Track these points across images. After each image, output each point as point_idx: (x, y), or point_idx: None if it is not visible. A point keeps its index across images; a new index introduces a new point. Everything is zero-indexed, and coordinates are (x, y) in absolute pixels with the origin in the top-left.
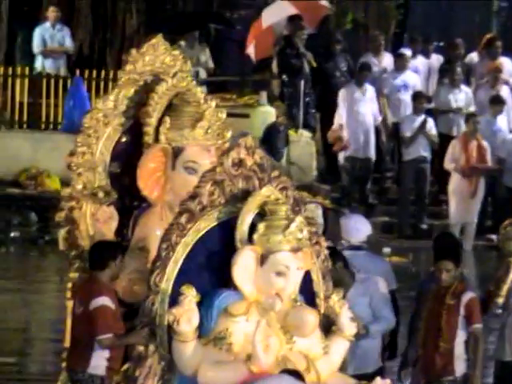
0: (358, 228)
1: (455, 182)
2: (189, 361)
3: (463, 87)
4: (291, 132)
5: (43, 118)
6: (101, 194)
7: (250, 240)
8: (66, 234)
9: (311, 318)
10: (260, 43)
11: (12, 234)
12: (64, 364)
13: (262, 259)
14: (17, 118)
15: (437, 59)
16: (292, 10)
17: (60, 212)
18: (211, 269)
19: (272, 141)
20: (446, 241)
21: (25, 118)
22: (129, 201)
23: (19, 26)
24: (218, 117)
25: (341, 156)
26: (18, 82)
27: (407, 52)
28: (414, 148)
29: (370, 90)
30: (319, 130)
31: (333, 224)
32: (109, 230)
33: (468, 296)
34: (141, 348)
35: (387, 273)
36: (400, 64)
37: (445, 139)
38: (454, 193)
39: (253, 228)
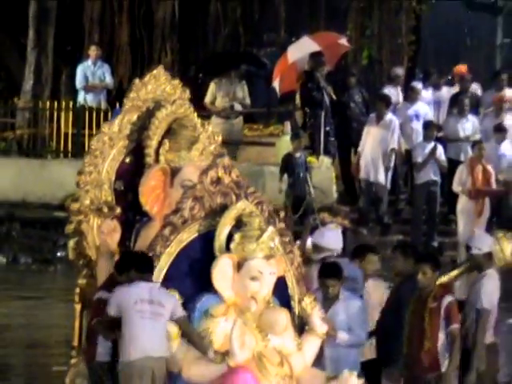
0: (337, 239)
1: (463, 203)
2: (174, 358)
3: (470, 117)
4: (311, 159)
5: (86, 147)
6: (105, 209)
7: (227, 249)
8: (74, 245)
9: (282, 317)
10: (285, 78)
11: (58, 254)
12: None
13: (239, 266)
14: (62, 147)
15: (447, 91)
16: (315, 47)
17: (69, 225)
18: (193, 275)
19: (288, 168)
20: (425, 249)
21: (69, 147)
22: (132, 215)
23: (64, 64)
24: (214, 139)
25: (358, 180)
26: (62, 114)
27: (418, 85)
28: (425, 172)
29: (387, 119)
30: (337, 157)
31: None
32: (112, 241)
33: (447, 299)
34: None
35: (359, 277)
36: (412, 96)
37: (453, 164)
38: (462, 213)
39: (230, 238)
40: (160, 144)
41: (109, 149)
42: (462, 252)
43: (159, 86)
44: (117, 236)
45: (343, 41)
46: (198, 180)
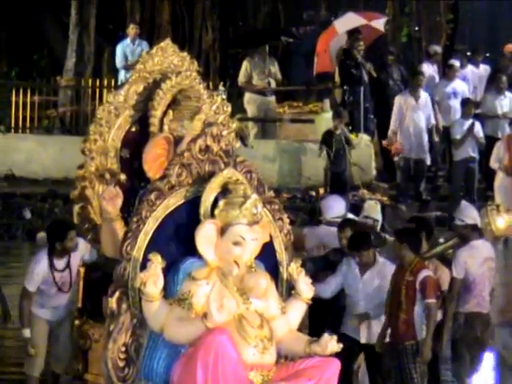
0: (331, 206)
1: (500, 180)
2: (155, 318)
3: (508, 94)
4: (352, 136)
5: None
6: (107, 176)
7: (212, 215)
8: (79, 210)
9: (262, 281)
10: (321, 60)
11: None
12: None
13: (222, 231)
14: None
15: (484, 69)
16: (361, 21)
17: (74, 190)
18: (178, 239)
19: (329, 144)
20: (410, 222)
21: None
22: (137, 182)
23: (106, 42)
24: (223, 110)
25: (396, 157)
26: (104, 92)
27: (456, 62)
28: (464, 149)
29: (423, 96)
30: (376, 134)
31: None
32: (114, 207)
33: (423, 274)
34: (113, 306)
35: None
36: (450, 73)
37: (491, 141)
38: (500, 189)
39: (216, 204)
40: (164, 114)
41: (114, 118)
42: None
43: (166, 58)
44: (119, 202)
45: (379, 23)
46: (186, 148)
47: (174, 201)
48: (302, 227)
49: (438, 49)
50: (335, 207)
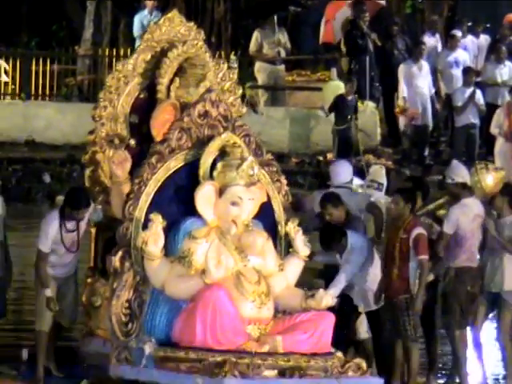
0: (338, 172)
1: (500, 145)
2: (157, 275)
3: (507, 63)
4: (359, 103)
5: None
6: (116, 141)
7: (211, 176)
8: (90, 173)
9: (259, 239)
10: (326, 30)
11: None
12: None
13: (221, 192)
14: None
15: (484, 39)
16: None
17: (85, 155)
18: (179, 200)
19: (339, 109)
20: (404, 181)
21: None
22: (146, 146)
23: (122, 14)
24: (230, 77)
25: (401, 123)
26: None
27: (458, 33)
28: (465, 116)
29: (425, 65)
30: (382, 101)
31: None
32: (123, 171)
33: (416, 231)
34: (117, 265)
35: (363, 204)
36: (452, 43)
37: (491, 108)
38: (499, 154)
39: (215, 166)
40: (171, 81)
41: (123, 85)
42: None
43: (173, 28)
44: (128, 165)
45: None
46: (185, 113)
47: (175, 163)
48: (311, 190)
49: (435, 19)
50: (342, 173)
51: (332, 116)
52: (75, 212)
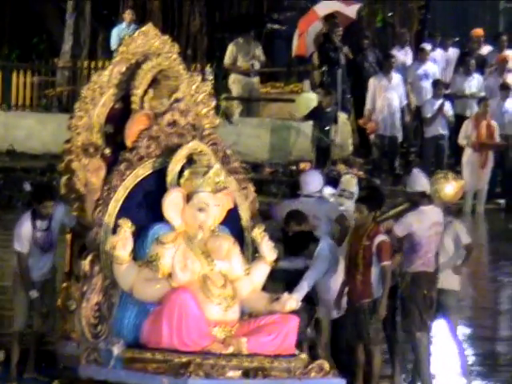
0: (308, 181)
1: (468, 155)
2: (125, 279)
3: (475, 75)
4: None
5: None
6: (91, 149)
7: (178, 184)
8: (66, 181)
9: (224, 244)
10: (298, 43)
11: None
12: None
13: (188, 198)
14: None
15: (453, 52)
16: (339, 6)
17: (61, 163)
18: (147, 207)
19: (318, 120)
20: (367, 190)
21: None
22: (120, 155)
23: (100, 27)
24: (203, 89)
25: (372, 135)
26: None
27: (427, 46)
28: (434, 127)
29: (396, 77)
30: (353, 113)
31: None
32: (98, 178)
33: (379, 238)
34: (86, 268)
35: (331, 213)
36: (422, 56)
37: (460, 119)
38: (467, 164)
39: (182, 174)
40: (145, 92)
41: (99, 96)
42: (467, 200)
43: (148, 40)
44: (102, 173)
45: (352, 10)
46: (154, 122)
47: (143, 171)
48: (283, 199)
49: (404, 32)
50: (312, 183)
51: (308, 126)
52: (41, 206)
